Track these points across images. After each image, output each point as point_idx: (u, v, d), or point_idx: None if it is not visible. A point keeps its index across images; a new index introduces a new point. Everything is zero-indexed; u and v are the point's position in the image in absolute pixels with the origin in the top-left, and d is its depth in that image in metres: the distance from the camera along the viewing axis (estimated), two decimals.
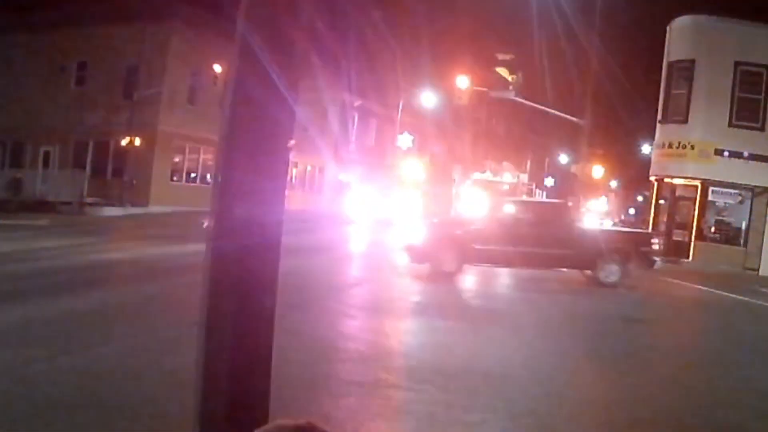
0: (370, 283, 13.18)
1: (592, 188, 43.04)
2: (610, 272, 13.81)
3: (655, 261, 14.88)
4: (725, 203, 23.57)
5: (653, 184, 25.87)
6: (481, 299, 12.49)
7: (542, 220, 14.15)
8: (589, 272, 14.16)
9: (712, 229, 23.68)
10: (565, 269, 14.68)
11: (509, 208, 14.91)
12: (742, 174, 22.40)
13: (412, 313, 10.27)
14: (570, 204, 19.62)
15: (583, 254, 13.64)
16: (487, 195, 39.40)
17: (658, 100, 25.02)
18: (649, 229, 21.03)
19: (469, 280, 14.16)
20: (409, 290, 12.55)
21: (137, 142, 27.99)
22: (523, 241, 13.25)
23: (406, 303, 11.16)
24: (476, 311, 10.84)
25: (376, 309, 10.32)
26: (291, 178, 33.19)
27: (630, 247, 14.20)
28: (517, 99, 29.69)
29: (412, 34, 36.01)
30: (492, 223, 14.00)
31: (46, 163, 30.73)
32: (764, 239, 22.49)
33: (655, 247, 15.57)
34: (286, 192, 1.51)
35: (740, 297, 15.06)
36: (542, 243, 13.40)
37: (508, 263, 13.76)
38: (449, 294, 12.28)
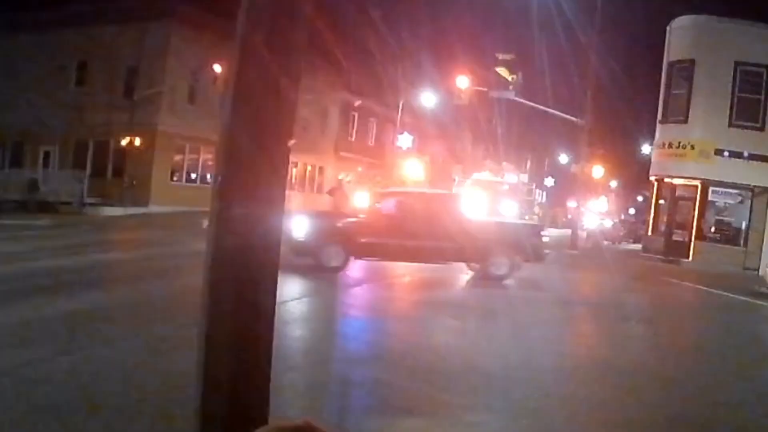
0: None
1: (592, 188, 43.02)
2: (500, 265, 13.29)
3: (545, 254, 14.36)
4: (725, 203, 23.57)
5: (653, 184, 25.88)
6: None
7: (430, 211, 13.50)
8: (476, 265, 13.67)
9: (712, 229, 23.67)
10: (452, 262, 13.85)
11: (396, 200, 14.22)
12: (742, 174, 22.40)
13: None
14: (455, 193, 18.16)
15: (472, 247, 13.04)
16: (486, 195, 39.38)
17: (658, 100, 25.03)
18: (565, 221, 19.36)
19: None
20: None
21: (137, 142, 27.98)
22: (411, 233, 12.66)
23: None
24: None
25: None
26: (291, 178, 33.17)
27: (520, 240, 13.69)
28: (517, 99, 29.68)
29: (413, 33, 36.02)
30: (378, 215, 13.34)
31: (46, 163, 30.72)
32: (764, 239, 22.49)
33: (546, 239, 14.94)
34: (286, 192, 1.51)
35: (740, 297, 15.05)
36: (430, 235, 12.77)
37: (395, 257, 13.10)
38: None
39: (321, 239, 12.75)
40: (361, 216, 13.72)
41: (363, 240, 12.70)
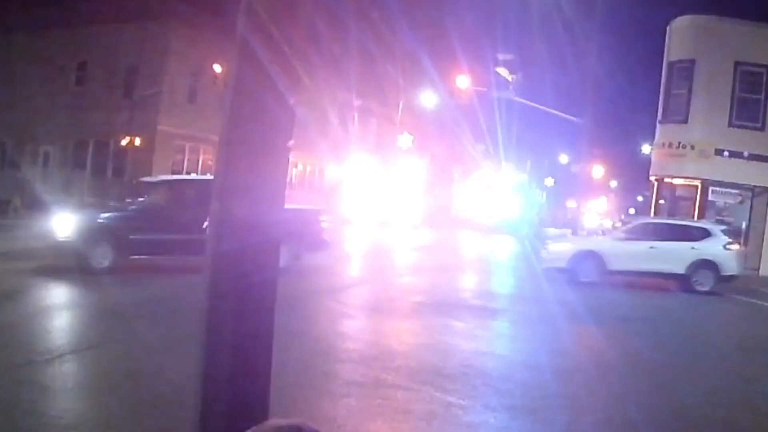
0: None
1: (592, 188, 43.04)
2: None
3: (327, 242, 13.34)
4: (725, 203, 23.56)
5: (653, 184, 25.86)
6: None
7: (199, 201, 11.86)
8: None
9: None
10: None
11: (163, 189, 12.84)
12: (742, 174, 22.38)
13: None
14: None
15: None
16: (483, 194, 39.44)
17: (658, 100, 25.02)
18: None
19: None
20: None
21: (137, 142, 27.98)
22: (181, 226, 11.51)
23: None
24: None
25: None
26: (291, 178, 33.16)
27: (299, 228, 12.54)
28: (517, 99, 29.70)
29: (412, 34, 36.00)
30: (146, 208, 12.01)
31: (46, 163, 30.72)
32: (764, 239, 22.49)
33: (326, 225, 13.73)
34: (286, 192, 1.51)
35: (740, 297, 15.05)
36: (198, 228, 11.64)
37: (169, 253, 11.84)
38: None
39: (86, 238, 11.14)
40: (130, 209, 12.20)
41: (132, 236, 11.38)
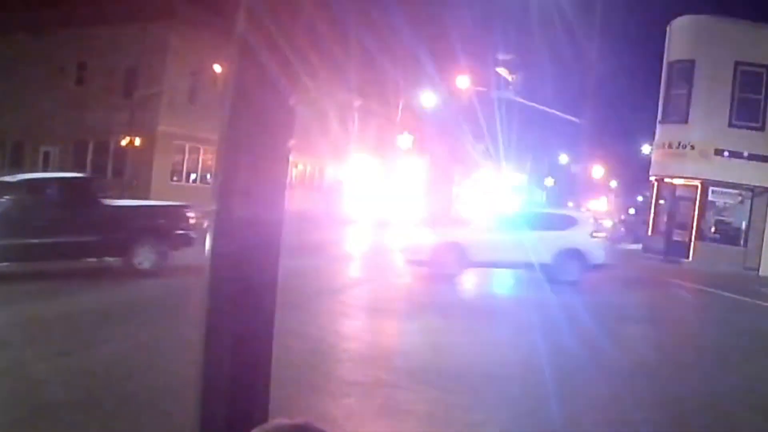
0: None
1: (592, 188, 43.04)
2: (145, 257, 11.41)
3: (192, 238, 12.06)
4: (725, 203, 23.57)
5: (653, 184, 25.88)
6: None
7: (59, 201, 11.45)
8: (118, 259, 11.62)
9: (712, 229, 23.68)
10: (94, 258, 11.77)
11: (24, 190, 11.64)
12: (742, 174, 22.40)
13: None
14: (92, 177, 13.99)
15: (111, 238, 11.27)
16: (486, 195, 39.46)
17: (658, 100, 25.04)
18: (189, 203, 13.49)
19: None
20: None
21: (137, 142, 28.01)
22: (46, 229, 10.83)
23: None
24: None
25: None
26: (291, 178, 33.17)
27: (164, 225, 11.90)
28: (517, 99, 29.73)
29: (412, 34, 36.00)
30: (7, 211, 10.96)
31: (46, 163, 30.75)
32: (764, 239, 22.50)
33: (192, 221, 12.64)
34: (286, 192, 1.51)
35: (740, 297, 15.06)
36: (66, 229, 11.06)
37: (32, 259, 11.06)
38: None
39: None
40: None
41: None
